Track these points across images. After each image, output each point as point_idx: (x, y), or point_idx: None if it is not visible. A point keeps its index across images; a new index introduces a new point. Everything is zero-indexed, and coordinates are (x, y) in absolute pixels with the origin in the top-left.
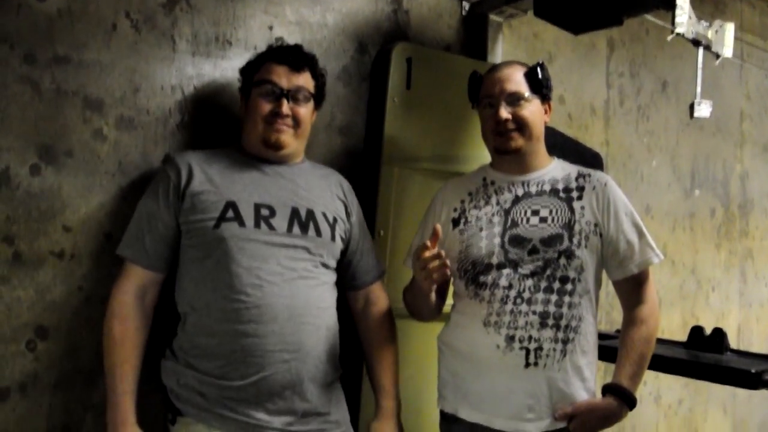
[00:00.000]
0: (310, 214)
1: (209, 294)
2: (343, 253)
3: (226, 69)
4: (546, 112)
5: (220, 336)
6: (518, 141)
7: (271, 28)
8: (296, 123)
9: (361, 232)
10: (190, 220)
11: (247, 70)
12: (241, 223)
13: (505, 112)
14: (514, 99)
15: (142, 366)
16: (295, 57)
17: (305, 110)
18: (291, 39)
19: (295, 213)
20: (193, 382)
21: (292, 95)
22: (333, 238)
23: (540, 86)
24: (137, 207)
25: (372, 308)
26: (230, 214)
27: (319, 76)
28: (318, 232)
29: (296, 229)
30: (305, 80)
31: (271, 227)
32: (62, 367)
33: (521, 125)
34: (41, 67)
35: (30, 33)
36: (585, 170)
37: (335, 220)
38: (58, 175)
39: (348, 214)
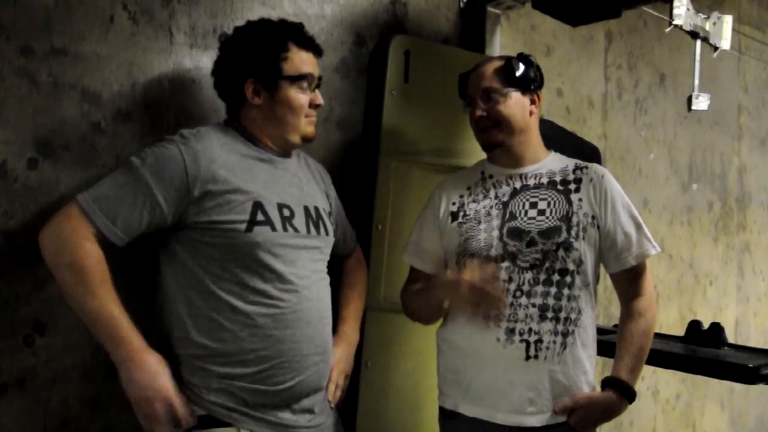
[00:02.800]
0: (317, 211)
1: (234, 298)
2: None
3: None
4: (534, 103)
5: (253, 342)
6: (498, 136)
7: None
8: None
9: (338, 208)
10: (215, 220)
11: (264, 55)
12: (273, 228)
13: (479, 110)
14: (488, 95)
15: None
16: (314, 41)
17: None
18: None
19: (307, 212)
20: (217, 385)
21: (320, 82)
22: (335, 234)
23: (516, 79)
24: (126, 164)
25: (348, 263)
26: (260, 216)
27: None
28: (326, 231)
29: (312, 230)
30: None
31: (295, 230)
32: (60, 362)
33: (497, 121)
34: (38, 59)
35: (27, 25)
36: (582, 163)
37: (329, 213)
38: (55, 169)
39: (327, 196)
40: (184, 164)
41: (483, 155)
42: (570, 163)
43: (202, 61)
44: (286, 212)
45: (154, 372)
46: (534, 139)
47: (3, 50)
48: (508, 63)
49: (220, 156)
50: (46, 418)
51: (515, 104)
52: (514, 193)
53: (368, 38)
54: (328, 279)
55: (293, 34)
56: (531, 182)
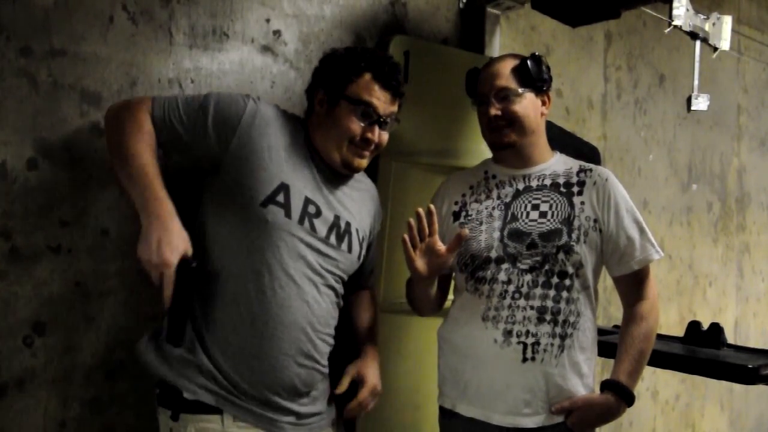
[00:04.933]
0: (348, 227)
1: (227, 270)
2: None
3: (223, 62)
4: (544, 104)
5: (233, 326)
6: (511, 136)
7: (268, 20)
8: (377, 147)
9: (374, 243)
10: (239, 180)
11: (338, 71)
12: (287, 214)
13: (494, 109)
14: (504, 95)
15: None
16: (397, 84)
17: (387, 137)
18: (288, 31)
19: (336, 221)
20: (209, 369)
21: (385, 122)
22: (359, 257)
23: (532, 79)
24: (205, 95)
25: (361, 292)
26: (281, 198)
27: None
28: (350, 248)
29: (333, 239)
30: (396, 106)
31: (313, 228)
32: (60, 363)
33: (512, 121)
34: (38, 59)
35: (26, 25)
36: (587, 165)
37: (364, 239)
38: (55, 169)
39: (371, 232)
40: (244, 111)
41: (482, 156)
42: (574, 165)
43: (201, 61)
44: (312, 209)
45: (167, 241)
46: (541, 140)
47: (2, 50)
48: (524, 63)
49: (275, 132)
50: (46, 419)
51: (529, 105)
52: (517, 194)
53: (368, 39)
54: (336, 293)
55: (374, 64)
56: (534, 184)
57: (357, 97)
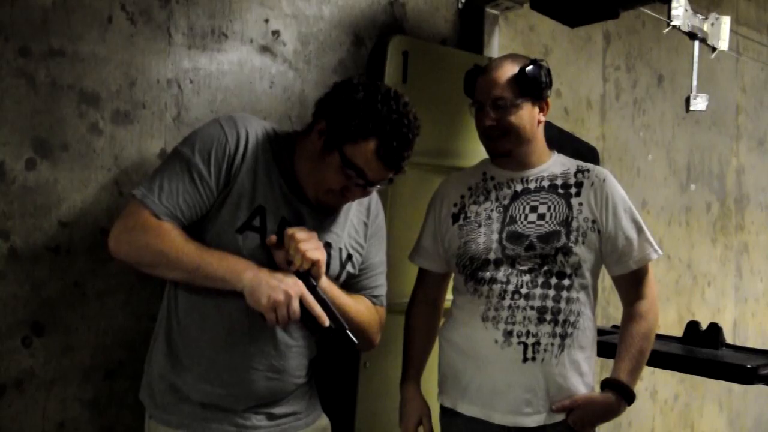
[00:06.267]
0: (326, 246)
1: (209, 298)
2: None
3: (222, 62)
4: (542, 110)
5: (210, 342)
6: (505, 145)
7: (267, 21)
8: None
9: (375, 249)
10: (219, 205)
11: (344, 121)
12: (265, 237)
13: (489, 119)
14: (500, 104)
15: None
16: (401, 160)
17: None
18: (287, 32)
19: None
20: (178, 383)
21: (374, 184)
22: (338, 277)
23: (530, 88)
24: (173, 153)
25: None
26: (256, 222)
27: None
28: (327, 268)
29: None
30: (393, 173)
31: None
32: (58, 364)
33: (506, 131)
34: (36, 60)
35: (25, 25)
36: (584, 165)
37: (349, 256)
38: (53, 170)
39: (365, 237)
40: (227, 143)
41: (481, 156)
42: (572, 165)
43: (200, 61)
44: None
45: (272, 279)
46: (539, 145)
47: (1, 51)
48: (522, 73)
49: (255, 151)
50: (45, 420)
51: (525, 115)
52: (515, 196)
53: (366, 39)
54: None
55: (383, 133)
56: (532, 186)
57: (352, 161)
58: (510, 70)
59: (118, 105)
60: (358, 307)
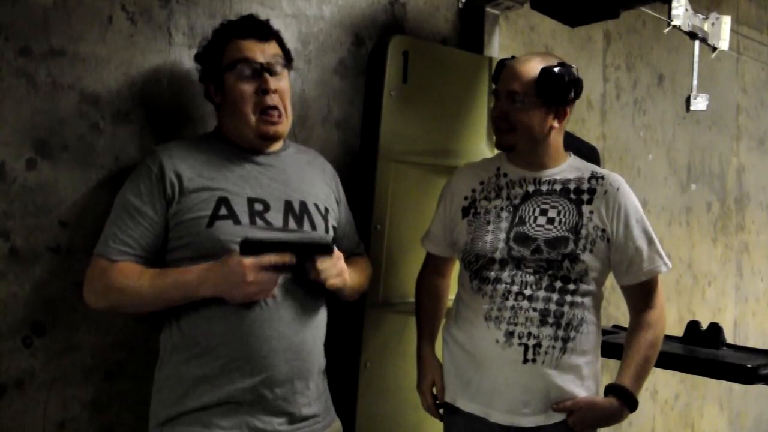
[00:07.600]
0: (303, 206)
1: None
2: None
3: None
4: (558, 116)
5: (224, 336)
6: (510, 140)
7: (267, 20)
8: (282, 102)
9: (346, 215)
10: (183, 219)
11: (208, 56)
12: (236, 221)
13: (497, 110)
14: (513, 98)
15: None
16: (258, 27)
17: (285, 82)
18: (287, 31)
19: (288, 206)
20: (191, 382)
21: (271, 67)
22: (327, 230)
23: (547, 92)
24: (115, 203)
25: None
26: (223, 211)
27: (283, 41)
28: (313, 226)
29: (292, 224)
30: (275, 48)
31: (267, 222)
32: (59, 364)
33: (513, 125)
34: (36, 59)
35: (25, 25)
36: (599, 172)
37: (327, 210)
38: (54, 170)
39: (337, 201)
40: (151, 172)
41: (482, 156)
42: (586, 170)
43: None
44: (259, 206)
45: (230, 268)
46: (552, 148)
47: (1, 50)
48: (543, 73)
49: (187, 158)
50: (45, 420)
51: (536, 115)
52: (526, 197)
53: (367, 39)
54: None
55: (233, 28)
56: (544, 188)
57: (231, 61)
58: (534, 67)
59: (119, 105)
60: (361, 275)
